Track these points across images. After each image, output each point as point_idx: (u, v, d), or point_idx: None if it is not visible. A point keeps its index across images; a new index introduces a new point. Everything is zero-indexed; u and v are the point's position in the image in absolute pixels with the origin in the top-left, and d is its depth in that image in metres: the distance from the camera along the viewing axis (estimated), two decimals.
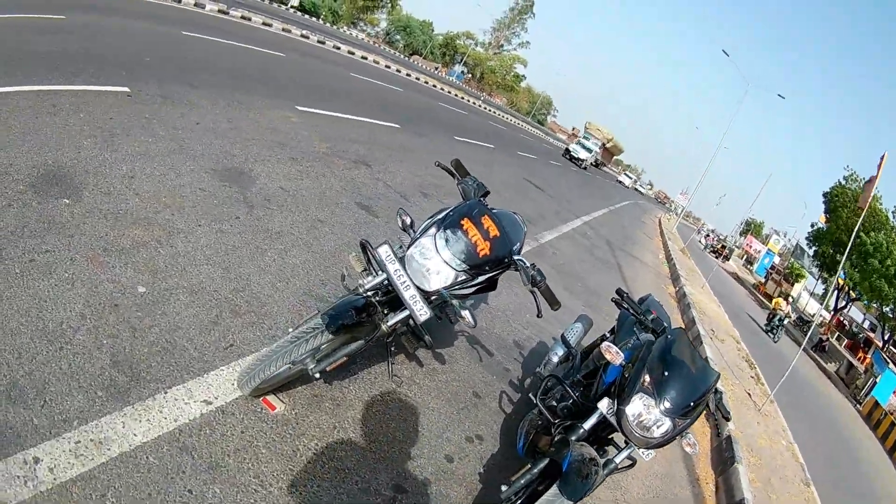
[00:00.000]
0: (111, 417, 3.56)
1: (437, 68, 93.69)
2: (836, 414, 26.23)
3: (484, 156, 23.54)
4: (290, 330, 4.22)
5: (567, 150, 60.09)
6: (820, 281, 71.76)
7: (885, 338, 51.26)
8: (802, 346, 13.66)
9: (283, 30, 29.31)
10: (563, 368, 6.15)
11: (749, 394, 12.27)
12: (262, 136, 9.73)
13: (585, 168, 58.38)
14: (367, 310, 4.10)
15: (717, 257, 63.58)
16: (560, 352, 6.18)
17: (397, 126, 17.84)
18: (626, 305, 5.13)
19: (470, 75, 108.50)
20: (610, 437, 4.63)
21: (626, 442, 4.25)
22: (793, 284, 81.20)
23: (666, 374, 4.13)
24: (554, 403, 4.96)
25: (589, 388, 5.08)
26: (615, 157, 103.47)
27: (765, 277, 77.80)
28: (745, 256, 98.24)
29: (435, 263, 4.11)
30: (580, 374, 5.57)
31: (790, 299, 60.62)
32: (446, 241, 4.14)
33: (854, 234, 14.91)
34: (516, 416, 6.22)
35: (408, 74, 44.00)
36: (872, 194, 12.96)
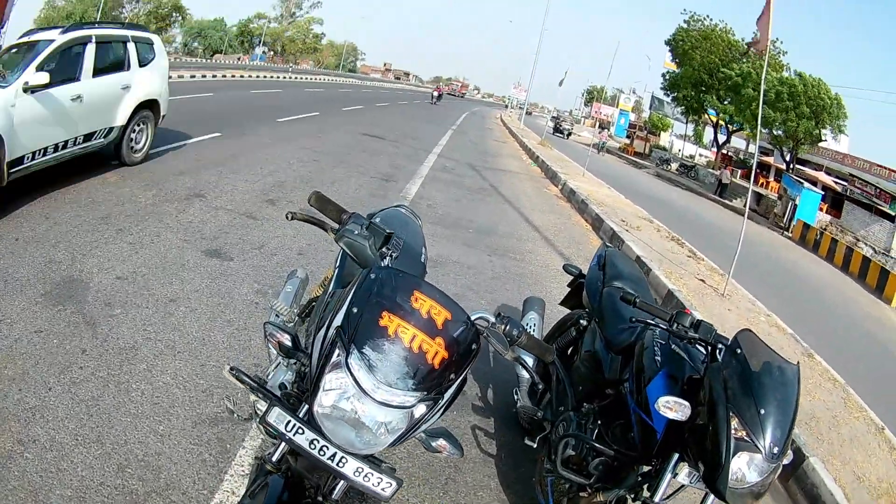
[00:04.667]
0: None
1: (238, 58, 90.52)
2: (776, 253, 26.04)
3: (312, 126, 22.10)
4: None
5: None
6: (691, 124, 73.25)
7: (788, 159, 51.04)
8: (746, 214, 12.37)
9: None
10: (531, 380, 4.70)
11: (703, 280, 11.53)
12: (84, 218, 8.09)
13: None
14: (296, 498, 2.63)
15: (559, 133, 63.46)
16: (530, 362, 4.33)
17: (218, 134, 16.16)
18: (636, 304, 3.57)
19: (272, 52, 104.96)
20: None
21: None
22: (658, 135, 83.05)
23: (762, 411, 2.82)
24: (572, 452, 3.69)
25: (605, 416, 3.77)
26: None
27: (627, 137, 77.29)
28: (597, 125, 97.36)
29: (370, 410, 2.34)
30: (581, 392, 4.16)
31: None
32: (370, 367, 2.31)
33: (763, 78, 12.84)
34: (510, 460, 4.81)
35: (213, 76, 41.21)
36: (768, 36, 11.49)
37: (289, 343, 2.76)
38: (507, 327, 2.73)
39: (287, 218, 3.16)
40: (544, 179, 21.90)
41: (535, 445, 4.15)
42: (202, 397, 4.73)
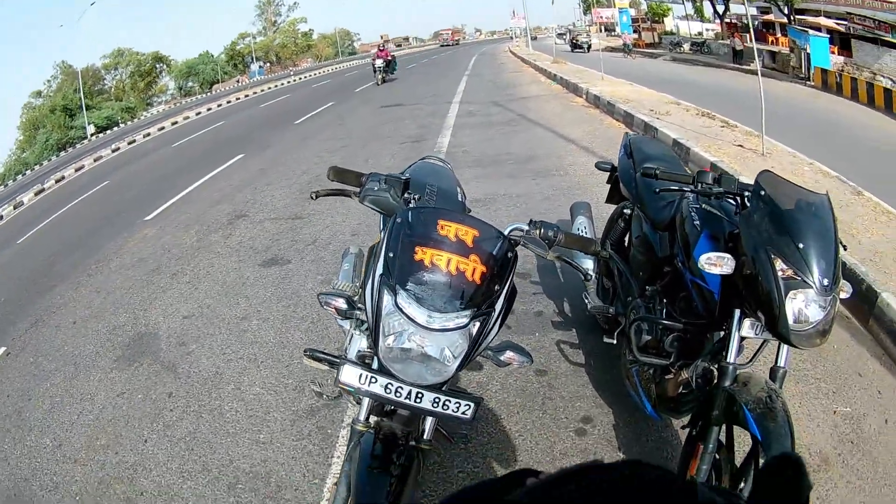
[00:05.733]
0: None
1: (237, 80, 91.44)
2: (804, 104, 25.62)
3: (330, 116, 22.25)
4: None
5: None
6: (689, 2, 71.95)
7: (786, 12, 49.65)
8: (759, 71, 12.20)
9: (96, 160, 27.31)
10: (599, 281, 4.93)
11: (741, 146, 11.34)
12: (135, 278, 8.24)
13: None
14: (390, 448, 2.68)
15: (579, 49, 62.37)
16: (588, 265, 4.62)
17: (241, 155, 16.45)
18: (658, 175, 3.59)
19: (268, 64, 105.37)
20: None
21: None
22: (662, 22, 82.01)
23: (800, 245, 2.78)
24: (647, 337, 3.68)
25: (669, 293, 3.78)
26: None
27: (635, 32, 75.86)
28: (601, 28, 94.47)
29: (430, 341, 2.44)
30: (642, 277, 4.15)
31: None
32: (418, 299, 2.45)
33: None
34: (599, 364, 4.81)
35: (219, 106, 41.77)
36: None
37: (344, 305, 2.85)
38: (543, 230, 2.88)
39: (312, 197, 3.39)
40: (568, 94, 21.34)
41: (614, 342, 4.19)
42: (294, 395, 4.75)
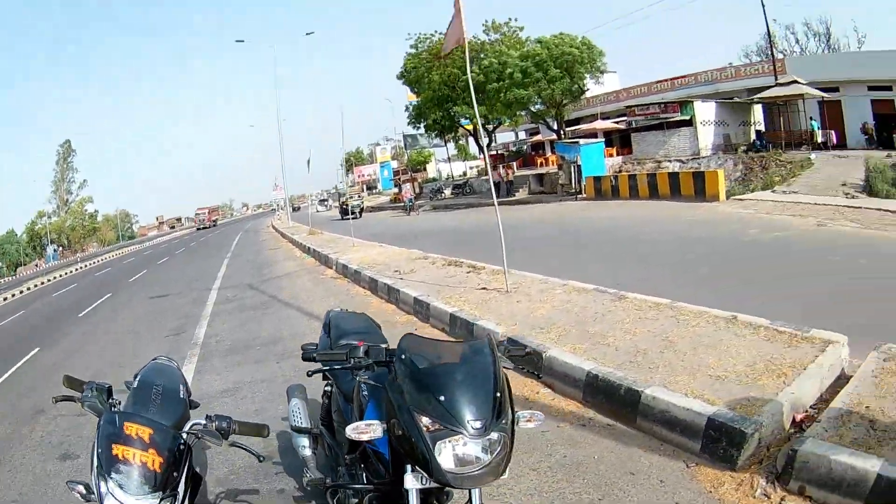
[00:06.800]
0: None
1: (36, 265, 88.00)
2: (573, 220, 26.45)
3: (107, 309, 22.87)
4: None
5: None
6: (451, 143, 70.98)
7: (556, 128, 48.02)
8: (497, 206, 12.43)
9: None
10: (320, 454, 4.96)
11: (485, 288, 11.71)
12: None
13: None
14: None
15: (350, 216, 55.45)
16: (305, 442, 4.83)
17: (37, 349, 16.71)
18: (316, 358, 3.83)
19: (61, 248, 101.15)
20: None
21: None
22: (425, 170, 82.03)
23: (441, 398, 2.95)
24: (354, 500, 3.85)
25: (365, 459, 3.87)
26: None
27: (395, 186, 74.62)
28: (363, 187, 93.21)
29: None
30: (344, 449, 4.20)
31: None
32: (121, 486, 2.99)
33: (468, 72, 12.96)
34: None
35: (21, 292, 41.18)
36: (463, 31, 10.89)
37: (84, 490, 3.27)
38: (218, 423, 3.47)
39: (53, 402, 3.83)
40: (320, 266, 22.69)
41: None
42: None
